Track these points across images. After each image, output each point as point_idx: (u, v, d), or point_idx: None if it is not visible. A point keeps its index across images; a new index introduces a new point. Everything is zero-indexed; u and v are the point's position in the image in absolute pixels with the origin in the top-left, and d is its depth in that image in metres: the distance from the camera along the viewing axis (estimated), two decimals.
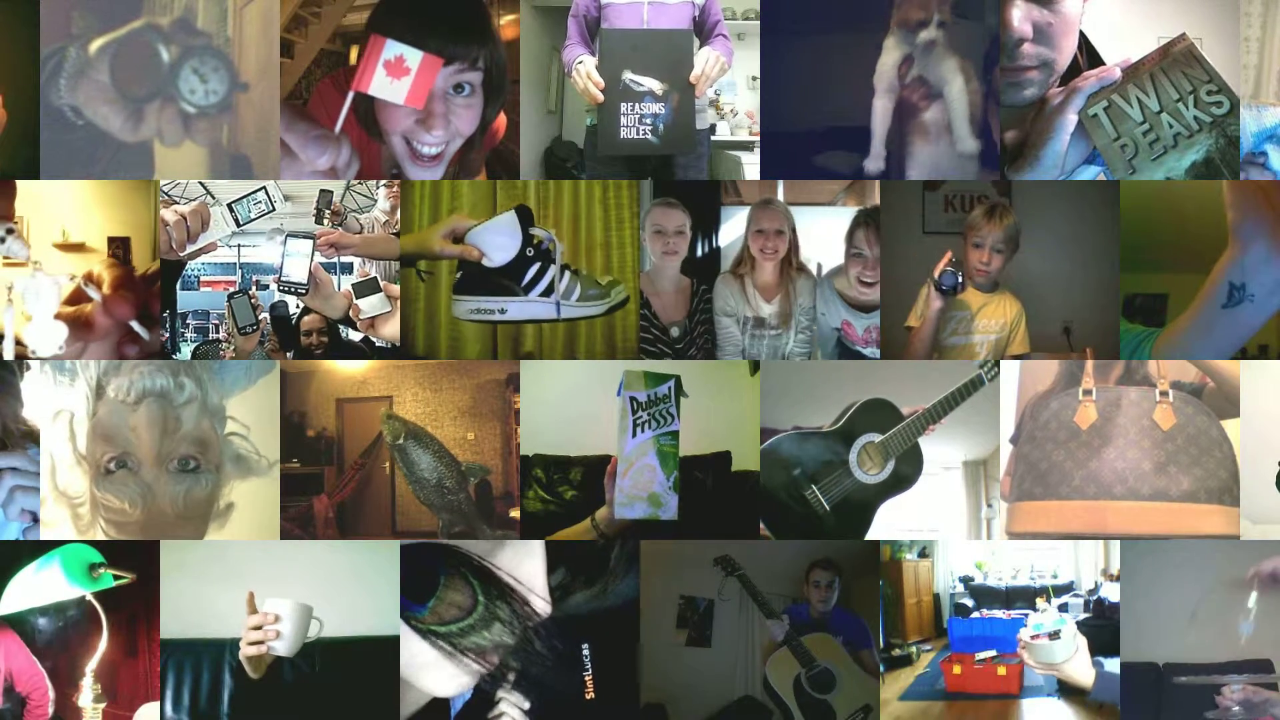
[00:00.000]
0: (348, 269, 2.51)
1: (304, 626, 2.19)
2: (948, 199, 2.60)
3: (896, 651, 2.63)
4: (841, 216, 2.59)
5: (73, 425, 2.26)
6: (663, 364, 2.36)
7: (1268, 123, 2.31)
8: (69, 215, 2.47)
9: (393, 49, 2.08)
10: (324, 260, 2.34)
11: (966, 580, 2.74)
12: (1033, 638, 2.30)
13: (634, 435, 2.16)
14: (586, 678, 2.12)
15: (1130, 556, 2.37)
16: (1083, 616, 2.56)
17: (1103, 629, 2.41)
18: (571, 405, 2.43)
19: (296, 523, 2.38)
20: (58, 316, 2.07)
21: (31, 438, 2.27)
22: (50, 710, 2.36)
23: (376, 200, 2.48)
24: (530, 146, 2.61)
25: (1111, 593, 2.49)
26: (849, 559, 2.52)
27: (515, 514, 2.38)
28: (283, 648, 2.17)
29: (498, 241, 2.18)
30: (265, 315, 2.44)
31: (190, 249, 2.22)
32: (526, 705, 2.00)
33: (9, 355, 2.09)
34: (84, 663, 2.33)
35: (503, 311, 2.22)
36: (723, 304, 2.56)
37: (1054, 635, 2.28)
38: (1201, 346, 2.29)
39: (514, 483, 2.40)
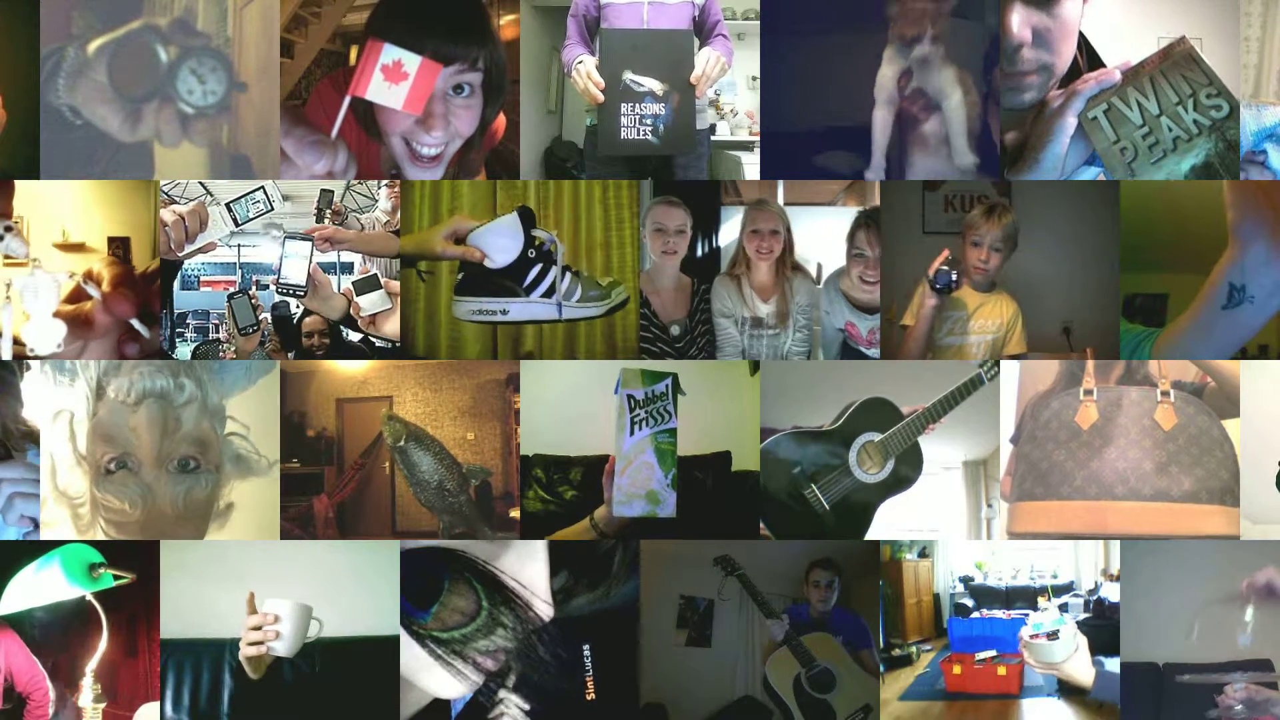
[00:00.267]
0: (348, 268, 2.51)
1: (304, 627, 2.19)
2: (948, 199, 2.60)
3: (896, 651, 2.63)
4: (841, 216, 2.59)
5: (73, 425, 2.26)
6: (663, 363, 2.36)
7: (1267, 121, 2.31)
8: (69, 215, 2.47)
9: (390, 53, 2.07)
10: (322, 261, 2.34)
11: (966, 580, 2.74)
12: (1032, 637, 2.30)
13: (631, 433, 2.16)
14: (587, 678, 2.12)
15: (1130, 556, 2.37)
16: (1083, 616, 2.56)
17: (1103, 629, 2.41)
18: (571, 405, 2.43)
19: (296, 523, 2.38)
20: (57, 314, 2.08)
21: (31, 438, 2.27)
22: (50, 710, 2.36)
23: (377, 200, 2.48)
24: (530, 146, 2.60)
25: (1111, 593, 2.49)
26: (849, 559, 2.52)
27: (515, 514, 2.38)
28: (283, 648, 2.17)
29: (500, 243, 2.18)
30: (266, 315, 2.44)
31: (189, 249, 2.22)
32: (527, 706, 2.00)
33: (7, 355, 2.09)
34: (84, 663, 2.33)
35: (504, 312, 2.22)
36: (720, 305, 2.56)
37: (1053, 635, 2.28)
38: (1201, 347, 2.29)
39: (514, 483, 2.40)
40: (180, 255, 2.23)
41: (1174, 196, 2.33)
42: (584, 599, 2.09)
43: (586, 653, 2.14)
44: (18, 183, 2.21)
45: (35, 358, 2.14)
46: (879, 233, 2.50)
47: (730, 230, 2.67)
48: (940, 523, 2.57)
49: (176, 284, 2.46)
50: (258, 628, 2.16)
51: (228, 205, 2.24)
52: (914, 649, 2.67)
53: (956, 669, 2.57)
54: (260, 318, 2.43)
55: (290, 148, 2.13)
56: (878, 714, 2.44)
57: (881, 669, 2.48)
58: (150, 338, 2.15)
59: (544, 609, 1.96)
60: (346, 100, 2.09)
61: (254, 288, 2.46)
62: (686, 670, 2.49)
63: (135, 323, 2.12)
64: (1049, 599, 2.44)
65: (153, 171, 2.24)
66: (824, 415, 2.47)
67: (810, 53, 2.33)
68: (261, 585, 2.20)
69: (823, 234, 2.62)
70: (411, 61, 2.08)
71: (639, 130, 2.42)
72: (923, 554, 2.68)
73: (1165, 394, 2.32)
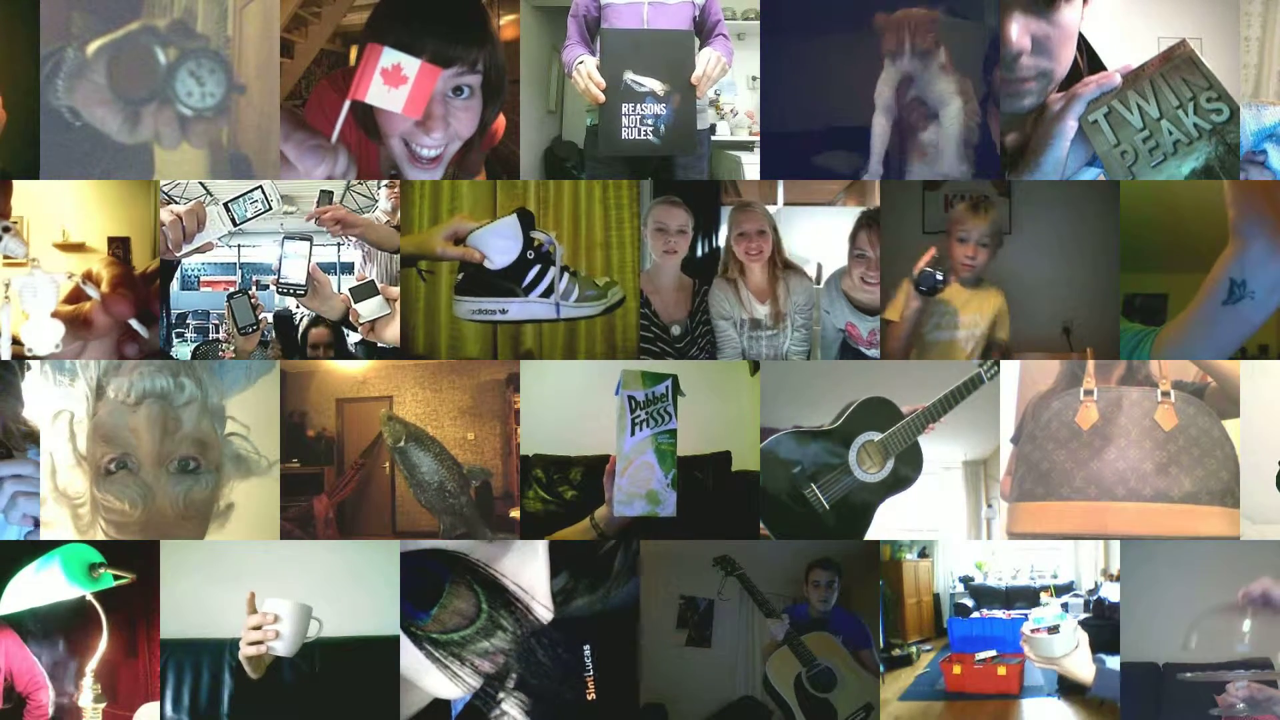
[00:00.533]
0: (347, 269, 2.51)
1: (304, 626, 2.20)
2: (948, 198, 2.59)
3: (896, 651, 2.63)
4: (841, 216, 2.58)
5: (73, 426, 2.26)
6: (663, 364, 2.36)
7: (1267, 121, 2.31)
8: (69, 215, 2.47)
9: (390, 57, 2.07)
10: (322, 261, 2.34)
11: (966, 580, 2.74)
12: (1033, 631, 2.31)
13: (632, 434, 2.18)
14: (588, 679, 2.13)
15: (1130, 557, 2.37)
16: (1083, 616, 2.56)
17: (1103, 629, 2.41)
18: (571, 405, 2.43)
19: (296, 523, 2.37)
20: (56, 315, 2.08)
21: (31, 438, 2.28)
22: (50, 710, 2.36)
23: (377, 200, 2.48)
24: (530, 146, 2.60)
25: (1111, 593, 2.49)
26: (849, 559, 2.52)
27: (515, 514, 2.38)
28: (282, 648, 2.17)
29: (499, 244, 2.19)
30: (265, 315, 2.44)
31: (187, 248, 2.22)
32: (528, 706, 2.01)
33: (6, 354, 2.09)
34: (84, 663, 2.34)
35: (504, 312, 2.23)
36: (718, 308, 2.56)
37: (1053, 629, 2.28)
38: (1202, 343, 2.29)
39: (514, 483, 2.40)
40: (178, 255, 2.23)
41: (1173, 196, 2.33)
42: (584, 600, 2.10)
43: (587, 653, 2.14)
44: (17, 183, 2.22)
45: (34, 358, 2.14)
46: (881, 233, 2.50)
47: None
48: (940, 523, 2.57)
49: (176, 284, 2.46)
50: (258, 628, 2.16)
51: (226, 205, 2.24)
52: (914, 649, 2.67)
53: (956, 669, 2.57)
54: (260, 317, 2.43)
55: (291, 152, 2.14)
56: (878, 713, 2.44)
57: (881, 669, 2.49)
58: (149, 338, 2.15)
59: (543, 612, 1.96)
60: (346, 104, 2.09)
61: (254, 288, 2.46)
62: (686, 670, 2.49)
63: (134, 323, 2.13)
64: (1052, 595, 2.44)
65: (153, 172, 2.24)
66: (824, 415, 2.47)
67: (810, 53, 2.34)
68: (261, 585, 2.21)
69: (823, 234, 2.62)
70: (411, 65, 2.08)
71: (639, 130, 2.42)
72: (923, 554, 2.68)
73: (1166, 394, 2.32)
